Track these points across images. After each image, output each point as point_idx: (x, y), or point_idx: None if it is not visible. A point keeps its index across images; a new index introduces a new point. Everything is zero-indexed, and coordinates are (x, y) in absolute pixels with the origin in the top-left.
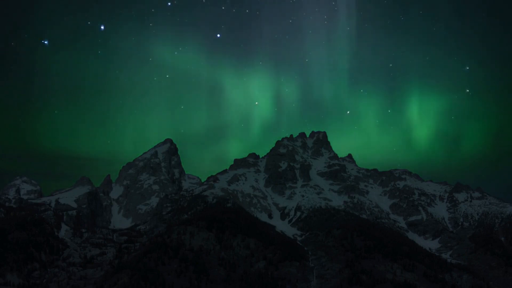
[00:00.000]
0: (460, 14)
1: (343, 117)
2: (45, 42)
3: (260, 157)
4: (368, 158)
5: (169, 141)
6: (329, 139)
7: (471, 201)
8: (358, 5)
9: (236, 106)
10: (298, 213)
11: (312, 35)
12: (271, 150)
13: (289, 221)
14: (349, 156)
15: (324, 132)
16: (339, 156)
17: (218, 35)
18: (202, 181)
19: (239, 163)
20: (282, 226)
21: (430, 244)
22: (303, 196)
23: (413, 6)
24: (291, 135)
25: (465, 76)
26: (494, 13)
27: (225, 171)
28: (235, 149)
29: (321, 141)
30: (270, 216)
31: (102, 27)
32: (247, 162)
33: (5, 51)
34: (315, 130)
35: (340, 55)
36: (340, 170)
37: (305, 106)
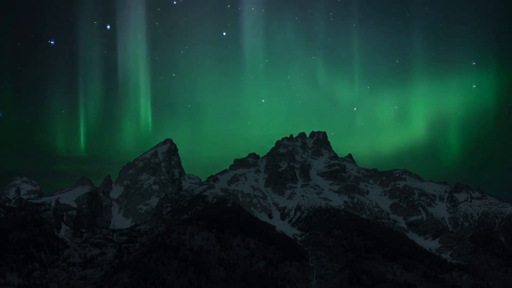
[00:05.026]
0: (465, 8)
1: (350, 114)
2: (51, 42)
3: (260, 157)
4: (373, 156)
5: (169, 141)
6: (336, 136)
7: (471, 201)
8: (363, 1)
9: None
10: (298, 213)
11: (317, 33)
12: (271, 150)
13: (289, 221)
14: (349, 156)
15: (324, 132)
16: (339, 156)
17: (224, 33)
18: (202, 181)
19: (239, 163)
20: (282, 226)
21: (430, 244)
22: (303, 196)
23: (419, 2)
24: (291, 135)
25: (472, 72)
26: (501, 7)
27: (225, 171)
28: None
29: (321, 141)
30: (270, 216)
31: (108, 27)
32: (247, 162)
33: (12, 51)
34: (315, 130)
35: (345, 52)
36: (340, 170)
37: (310, 104)
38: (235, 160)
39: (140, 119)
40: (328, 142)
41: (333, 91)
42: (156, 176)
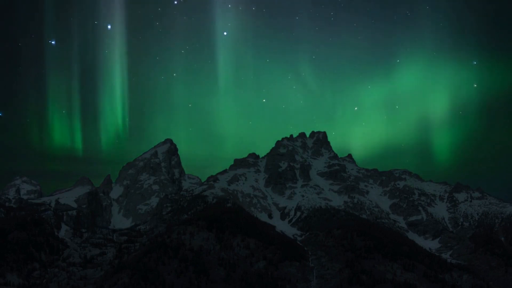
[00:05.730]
0: (466, 8)
1: (350, 113)
2: (52, 42)
3: (260, 157)
4: (373, 156)
5: (169, 141)
6: (336, 136)
7: (471, 201)
8: (364, 1)
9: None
10: (298, 213)
11: (318, 32)
12: (271, 150)
13: (289, 221)
14: (349, 156)
15: (324, 132)
16: (340, 156)
17: (225, 33)
18: (202, 181)
19: (239, 163)
20: (282, 226)
21: (430, 244)
22: (303, 196)
23: (420, 1)
24: (291, 135)
25: (472, 71)
26: (502, 6)
27: (225, 171)
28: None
29: (321, 141)
30: (270, 216)
31: (109, 27)
32: (247, 162)
33: (13, 51)
34: (315, 130)
35: (346, 51)
36: (340, 170)
37: (311, 103)
38: (235, 160)
39: (140, 118)
40: (328, 142)
41: (333, 90)
42: (156, 176)
